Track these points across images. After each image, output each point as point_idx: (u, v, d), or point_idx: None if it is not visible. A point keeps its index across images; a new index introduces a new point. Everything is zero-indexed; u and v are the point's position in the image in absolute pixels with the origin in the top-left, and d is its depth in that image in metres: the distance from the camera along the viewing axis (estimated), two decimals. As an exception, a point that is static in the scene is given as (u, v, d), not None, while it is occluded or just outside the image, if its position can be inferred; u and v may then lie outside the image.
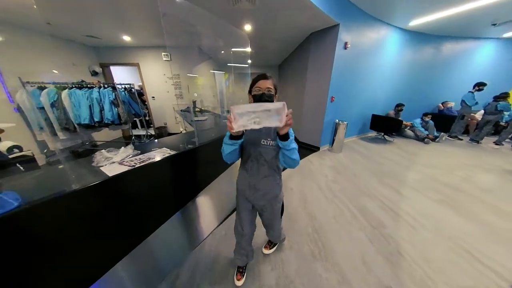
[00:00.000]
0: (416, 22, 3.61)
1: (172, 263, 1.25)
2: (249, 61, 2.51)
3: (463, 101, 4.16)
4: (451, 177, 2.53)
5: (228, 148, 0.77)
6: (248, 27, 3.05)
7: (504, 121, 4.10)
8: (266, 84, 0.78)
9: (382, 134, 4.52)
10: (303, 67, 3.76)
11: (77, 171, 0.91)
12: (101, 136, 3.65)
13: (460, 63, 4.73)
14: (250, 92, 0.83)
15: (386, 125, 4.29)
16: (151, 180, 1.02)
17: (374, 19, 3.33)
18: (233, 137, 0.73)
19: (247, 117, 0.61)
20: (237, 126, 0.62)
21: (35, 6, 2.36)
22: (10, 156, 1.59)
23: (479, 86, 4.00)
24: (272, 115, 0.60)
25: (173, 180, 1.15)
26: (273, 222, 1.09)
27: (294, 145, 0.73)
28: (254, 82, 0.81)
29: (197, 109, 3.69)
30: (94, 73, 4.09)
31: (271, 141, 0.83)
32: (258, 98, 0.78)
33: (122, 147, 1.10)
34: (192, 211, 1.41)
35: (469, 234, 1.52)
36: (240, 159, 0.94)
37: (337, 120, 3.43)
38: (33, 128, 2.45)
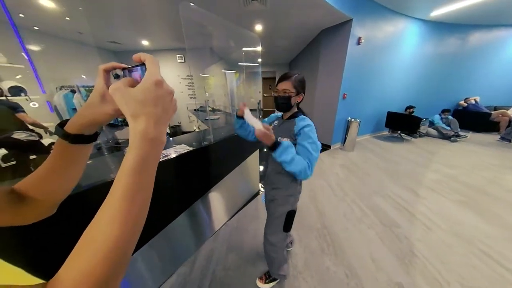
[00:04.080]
0: (439, 12, 3.38)
1: (190, 250, 1.37)
2: (259, 60, 2.56)
3: None
4: (474, 178, 2.37)
5: (235, 123, 0.94)
6: (259, 27, 3.09)
7: None
8: (282, 86, 0.78)
9: (399, 132, 4.31)
10: (314, 64, 3.71)
11: (115, 164, 1.04)
12: (123, 134, 3.97)
13: (490, 54, 4.32)
14: None
15: (402, 123, 4.09)
16: (171, 173, 1.13)
17: (390, 11, 3.18)
18: (237, 116, 0.90)
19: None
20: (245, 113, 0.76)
21: (67, 18, 2.64)
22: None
23: None
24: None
25: (191, 173, 1.26)
26: (270, 227, 0.97)
27: (285, 157, 0.70)
28: (276, 84, 0.81)
29: (209, 108, 3.82)
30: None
31: (286, 139, 0.81)
32: (275, 100, 0.81)
33: (147, 144, 1.22)
34: (207, 203, 1.52)
35: (491, 237, 1.45)
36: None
37: (349, 118, 3.35)
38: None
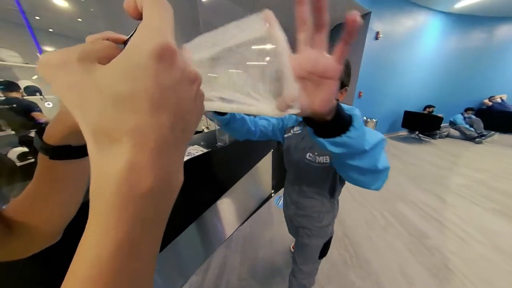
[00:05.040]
0: (464, 4, 3.14)
1: (201, 257, 1.30)
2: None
3: None
4: (506, 183, 2.16)
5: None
6: (270, 23, 2.99)
7: None
8: None
9: (417, 133, 4.07)
10: (327, 62, 3.56)
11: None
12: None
13: (521, 49, 3.99)
14: None
15: (421, 123, 3.85)
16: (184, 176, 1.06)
17: (411, 3, 2.99)
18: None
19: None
20: None
21: (79, 19, 2.67)
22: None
23: None
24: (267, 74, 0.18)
25: (204, 177, 1.19)
26: (301, 256, 0.76)
27: (373, 137, 0.29)
28: None
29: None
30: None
31: (321, 157, 0.54)
32: None
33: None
34: (219, 208, 1.44)
35: (539, 252, 1.28)
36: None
37: (365, 118, 3.19)
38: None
